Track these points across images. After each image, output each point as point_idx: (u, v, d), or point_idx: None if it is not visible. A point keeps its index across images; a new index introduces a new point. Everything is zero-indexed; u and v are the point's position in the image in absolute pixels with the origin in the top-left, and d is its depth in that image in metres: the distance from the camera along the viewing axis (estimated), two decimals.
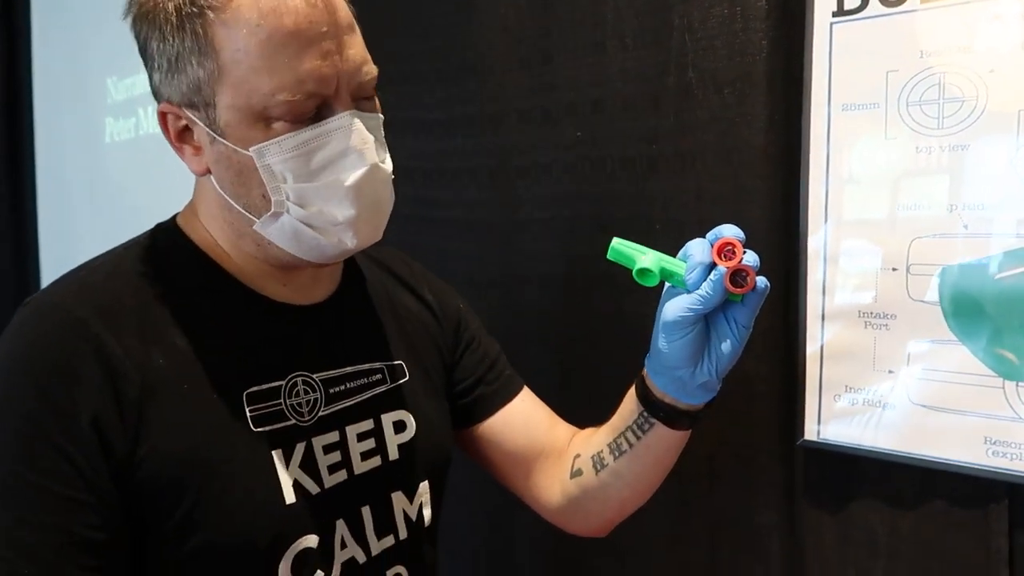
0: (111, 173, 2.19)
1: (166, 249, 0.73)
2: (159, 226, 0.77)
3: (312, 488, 0.71)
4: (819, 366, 0.94)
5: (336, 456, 0.74)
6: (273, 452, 0.69)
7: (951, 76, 0.85)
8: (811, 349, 0.94)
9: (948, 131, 0.85)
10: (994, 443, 0.83)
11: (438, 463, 0.84)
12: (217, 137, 0.66)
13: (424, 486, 0.81)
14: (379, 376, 0.80)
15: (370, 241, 0.72)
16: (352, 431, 0.76)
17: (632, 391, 0.80)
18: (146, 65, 0.69)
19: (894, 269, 0.89)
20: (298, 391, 0.73)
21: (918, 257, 0.87)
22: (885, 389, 0.90)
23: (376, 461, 0.77)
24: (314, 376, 0.74)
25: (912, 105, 0.87)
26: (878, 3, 0.88)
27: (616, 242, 0.74)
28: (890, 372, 0.90)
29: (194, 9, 0.63)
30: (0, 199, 2.59)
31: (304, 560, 0.69)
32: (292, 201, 0.67)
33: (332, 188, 0.66)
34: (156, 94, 0.70)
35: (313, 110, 0.65)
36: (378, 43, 1.39)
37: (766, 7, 0.94)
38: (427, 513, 0.82)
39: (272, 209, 0.67)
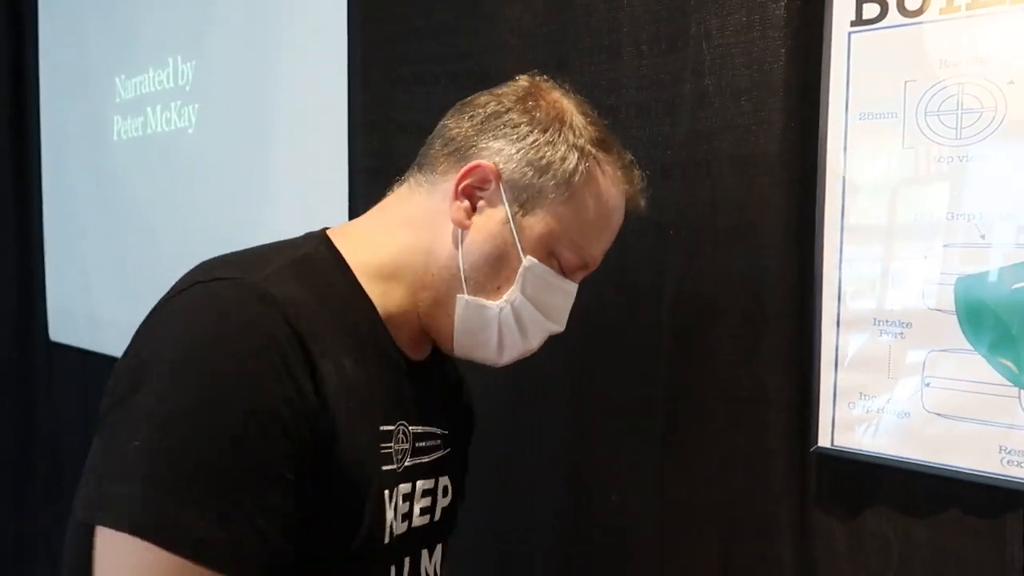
0: (118, 170, 2.19)
1: (328, 271, 0.73)
2: (319, 245, 0.75)
3: (398, 531, 0.73)
4: (833, 373, 0.94)
5: (406, 507, 0.75)
6: (385, 491, 0.71)
7: (970, 87, 0.85)
8: (826, 356, 0.95)
9: (966, 141, 0.85)
10: (1009, 452, 0.84)
11: (452, 530, 0.87)
12: (512, 225, 0.74)
13: (439, 548, 0.83)
14: (439, 441, 0.82)
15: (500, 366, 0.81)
16: (420, 486, 0.77)
17: None
18: (489, 128, 0.76)
19: (910, 278, 0.89)
20: (399, 438, 0.74)
21: (935, 266, 0.88)
22: (900, 397, 0.90)
23: (427, 519, 0.79)
24: (409, 428, 0.76)
25: (930, 115, 0.87)
26: (897, 13, 0.89)
27: None
28: (905, 380, 0.90)
29: (592, 150, 0.77)
30: (4, 194, 2.60)
31: None
32: (514, 307, 0.76)
33: (542, 323, 0.78)
34: (476, 149, 0.75)
35: (572, 270, 0.79)
36: (392, 45, 1.40)
37: (784, 15, 0.94)
38: (440, 573, 0.84)
39: (498, 300, 0.76)
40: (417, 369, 0.79)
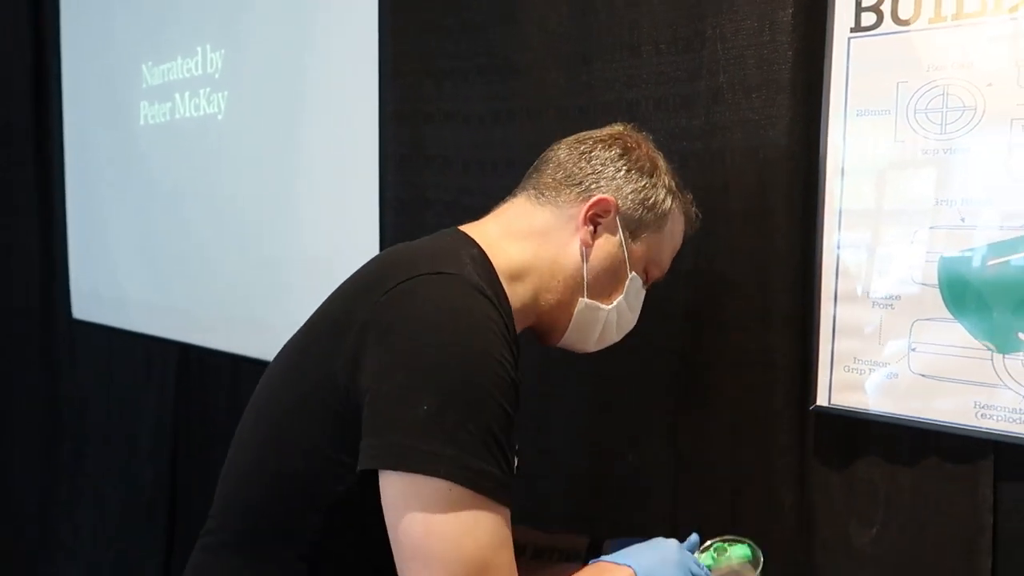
0: (144, 153, 2.27)
1: (490, 271, 0.87)
2: (475, 247, 0.88)
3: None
4: (831, 340, 1.07)
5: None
6: None
7: (954, 87, 0.97)
8: (824, 325, 1.07)
9: (950, 136, 0.97)
10: (982, 407, 0.96)
11: None
12: (625, 247, 0.94)
13: None
14: None
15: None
16: None
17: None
18: (607, 171, 0.94)
19: (899, 256, 1.01)
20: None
21: (921, 246, 1.00)
22: (889, 361, 1.03)
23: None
24: None
25: (919, 112, 0.99)
26: (891, 22, 1.00)
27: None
28: (894, 346, 1.02)
29: (677, 192, 0.99)
30: (26, 177, 2.67)
31: None
32: (618, 309, 0.96)
33: (630, 321, 1.00)
34: (597, 187, 0.93)
35: (651, 279, 1.01)
36: (422, 39, 1.50)
37: (791, 22, 1.05)
38: None
39: (607, 304, 0.95)
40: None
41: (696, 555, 0.90)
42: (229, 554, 0.86)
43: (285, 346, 0.93)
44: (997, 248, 0.95)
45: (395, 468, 0.72)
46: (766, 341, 1.11)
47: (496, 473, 0.72)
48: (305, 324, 0.90)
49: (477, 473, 0.71)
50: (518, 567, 0.75)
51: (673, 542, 0.88)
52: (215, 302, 2.07)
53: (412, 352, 0.74)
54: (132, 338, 2.34)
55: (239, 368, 1.99)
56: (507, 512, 0.74)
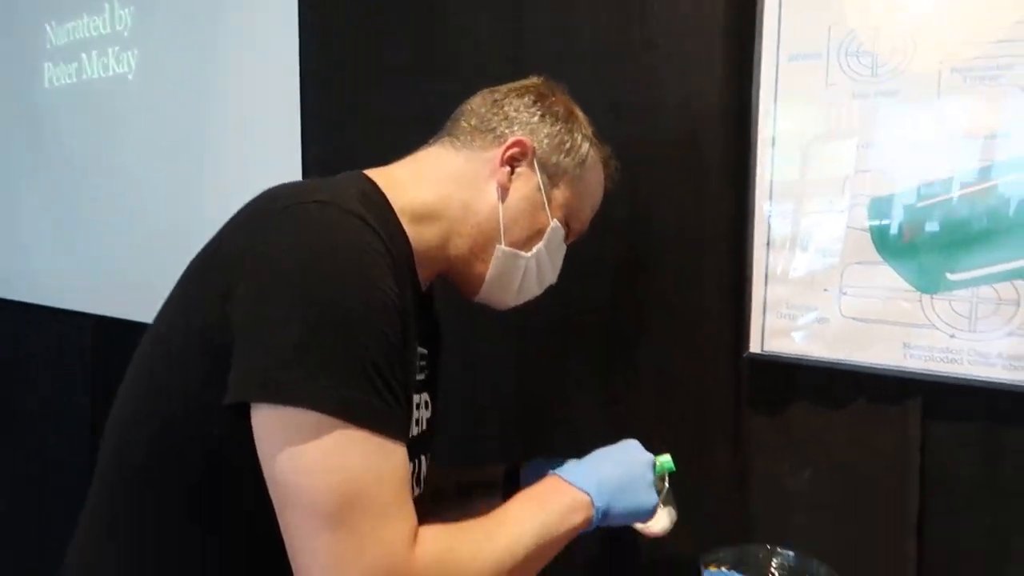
0: (50, 116, 2.14)
1: (383, 207, 0.81)
2: (368, 183, 0.82)
3: (412, 434, 0.85)
4: (763, 287, 1.07)
5: (417, 414, 0.87)
6: (414, 398, 0.84)
7: (884, 33, 0.97)
8: (757, 272, 1.07)
9: (880, 80, 0.98)
10: (910, 347, 0.98)
11: (433, 441, 0.96)
12: (544, 192, 0.90)
13: (427, 457, 0.92)
14: (424, 362, 0.92)
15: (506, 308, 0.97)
16: (417, 399, 0.88)
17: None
18: (522, 115, 0.91)
19: (832, 200, 1.02)
20: (420, 355, 0.87)
21: (853, 189, 1.00)
22: (821, 306, 1.03)
23: (418, 429, 0.89)
24: (419, 349, 0.87)
25: (850, 55, 0.99)
26: None
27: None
28: (825, 291, 1.03)
29: (595, 140, 0.95)
30: None
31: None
32: (539, 259, 0.92)
33: (549, 275, 0.96)
34: (511, 131, 0.90)
35: (573, 234, 0.97)
36: (364, 45, 1.44)
37: None
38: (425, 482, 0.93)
39: (526, 251, 0.91)
40: (423, 300, 0.89)
41: None
42: (117, 512, 0.78)
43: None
44: (926, 190, 0.96)
45: (258, 400, 0.66)
46: (699, 293, 1.10)
47: (373, 402, 0.67)
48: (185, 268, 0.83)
49: (348, 402, 0.65)
50: (444, 508, 0.72)
51: (634, 443, 0.91)
52: (129, 271, 1.98)
53: (281, 279, 0.68)
54: (43, 312, 2.22)
55: None
56: (393, 445, 0.68)
